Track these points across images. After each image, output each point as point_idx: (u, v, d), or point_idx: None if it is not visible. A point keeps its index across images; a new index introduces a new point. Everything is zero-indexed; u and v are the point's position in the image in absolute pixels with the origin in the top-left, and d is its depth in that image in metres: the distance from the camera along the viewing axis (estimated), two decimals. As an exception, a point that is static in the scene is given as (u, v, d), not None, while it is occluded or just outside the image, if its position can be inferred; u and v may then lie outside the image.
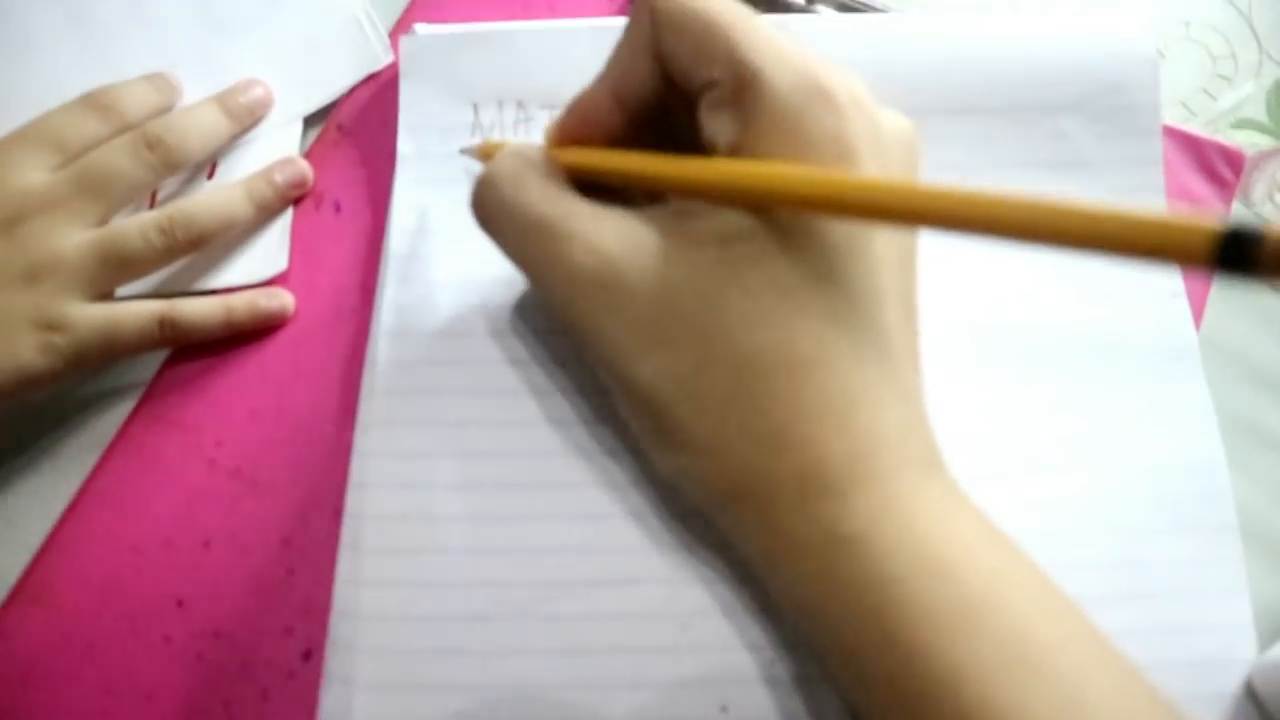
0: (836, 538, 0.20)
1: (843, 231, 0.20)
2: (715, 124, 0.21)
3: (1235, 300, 0.31)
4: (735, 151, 0.21)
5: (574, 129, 0.24)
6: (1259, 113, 0.34)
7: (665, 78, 0.22)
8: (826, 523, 0.20)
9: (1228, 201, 0.32)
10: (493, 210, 0.23)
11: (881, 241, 0.21)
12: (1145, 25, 0.35)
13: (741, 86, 0.20)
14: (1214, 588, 0.26)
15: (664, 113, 0.23)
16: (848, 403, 0.20)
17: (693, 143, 0.22)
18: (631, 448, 0.27)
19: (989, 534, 0.21)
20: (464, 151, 0.30)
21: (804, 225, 0.20)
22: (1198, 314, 0.30)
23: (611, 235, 0.21)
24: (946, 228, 0.17)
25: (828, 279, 0.20)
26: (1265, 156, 0.33)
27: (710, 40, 0.21)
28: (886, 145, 0.21)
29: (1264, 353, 0.30)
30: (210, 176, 0.31)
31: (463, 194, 0.30)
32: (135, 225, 0.28)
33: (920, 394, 0.22)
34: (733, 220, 0.20)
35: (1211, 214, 0.15)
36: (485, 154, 0.27)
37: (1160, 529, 0.27)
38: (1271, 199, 0.33)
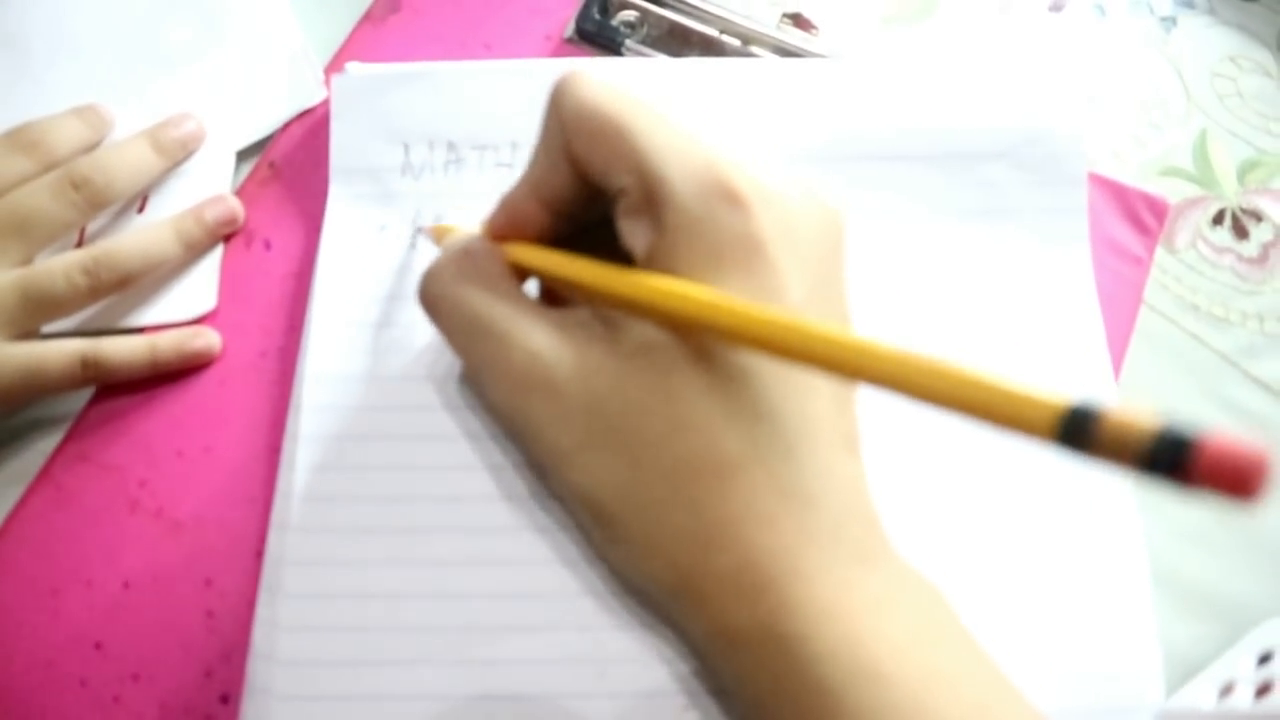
0: (772, 635, 0.20)
1: None
2: (629, 231, 0.22)
3: (1157, 347, 0.31)
4: (650, 258, 0.21)
5: (502, 229, 0.24)
6: (1185, 161, 0.35)
7: (583, 179, 0.22)
8: (762, 620, 0.20)
9: (1152, 249, 0.32)
10: (436, 303, 0.24)
11: None
12: (1077, 71, 0.36)
13: (649, 194, 0.21)
14: (1123, 635, 0.27)
15: (590, 205, 0.23)
16: (778, 502, 0.20)
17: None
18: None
19: (928, 627, 0.21)
20: (420, 232, 0.30)
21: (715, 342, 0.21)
22: (1119, 360, 0.31)
23: (544, 340, 0.22)
24: (819, 367, 0.18)
25: (752, 379, 0.21)
26: (1190, 205, 0.34)
27: (616, 147, 0.21)
28: (801, 238, 0.21)
29: (1183, 399, 0.31)
30: (141, 210, 0.31)
31: (392, 237, 0.30)
32: (59, 266, 0.28)
33: (859, 481, 0.22)
34: (651, 330, 0.21)
35: (1058, 393, 0.15)
36: (440, 237, 0.27)
37: (1070, 576, 0.27)
38: (1194, 247, 0.33)
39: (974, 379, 0.16)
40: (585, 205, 0.23)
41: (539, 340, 0.22)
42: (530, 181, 0.23)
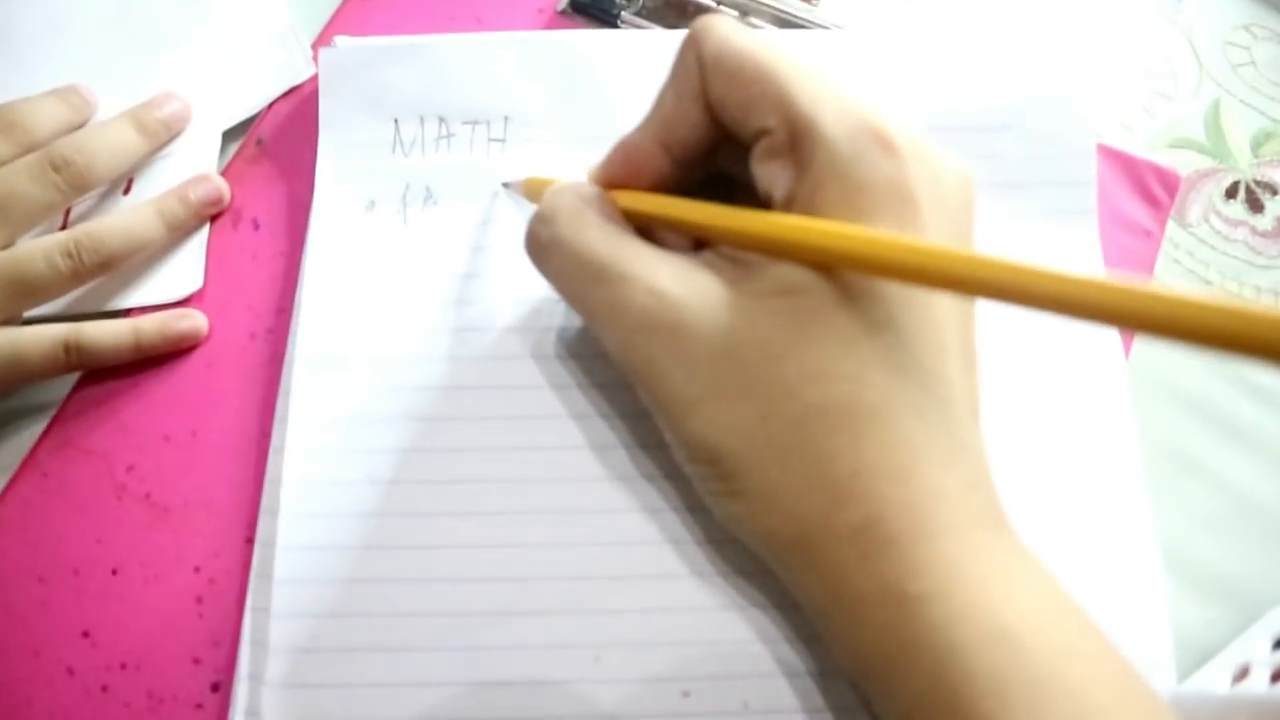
0: (900, 596, 0.19)
1: (899, 287, 0.20)
2: (769, 173, 0.21)
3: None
4: (791, 201, 0.21)
5: (619, 174, 0.23)
6: (1197, 132, 0.34)
7: (713, 123, 0.22)
8: (889, 579, 0.20)
9: (1163, 223, 0.31)
10: (549, 248, 0.23)
11: (929, 296, 0.21)
12: (1086, 41, 0.35)
13: (796, 135, 0.20)
14: (1135, 619, 0.26)
15: (709, 155, 0.23)
16: (911, 458, 0.20)
17: (740, 185, 0.22)
18: (551, 477, 0.26)
19: (1056, 600, 0.20)
20: (507, 186, 0.29)
21: (862, 282, 0.20)
22: (1128, 339, 0.30)
23: (672, 280, 0.21)
24: (1016, 303, 0.17)
25: (891, 331, 0.20)
26: (1201, 177, 0.33)
27: (762, 88, 0.21)
28: (945, 192, 0.21)
29: (1193, 381, 0.30)
30: (126, 191, 0.31)
31: (382, 214, 0.30)
32: (40, 249, 0.27)
33: (982, 450, 0.22)
34: (794, 272, 0.20)
35: None
36: (532, 190, 0.26)
37: (1081, 561, 0.27)
38: (1207, 220, 0.32)
39: (1227, 306, 0.15)
40: (706, 152, 0.23)
41: (665, 279, 0.21)
42: (655, 124, 0.23)
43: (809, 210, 0.20)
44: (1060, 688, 0.18)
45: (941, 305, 0.21)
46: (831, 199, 0.20)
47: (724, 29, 0.21)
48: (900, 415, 0.20)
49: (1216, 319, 0.15)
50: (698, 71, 0.21)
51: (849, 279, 0.20)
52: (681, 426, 0.21)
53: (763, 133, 0.21)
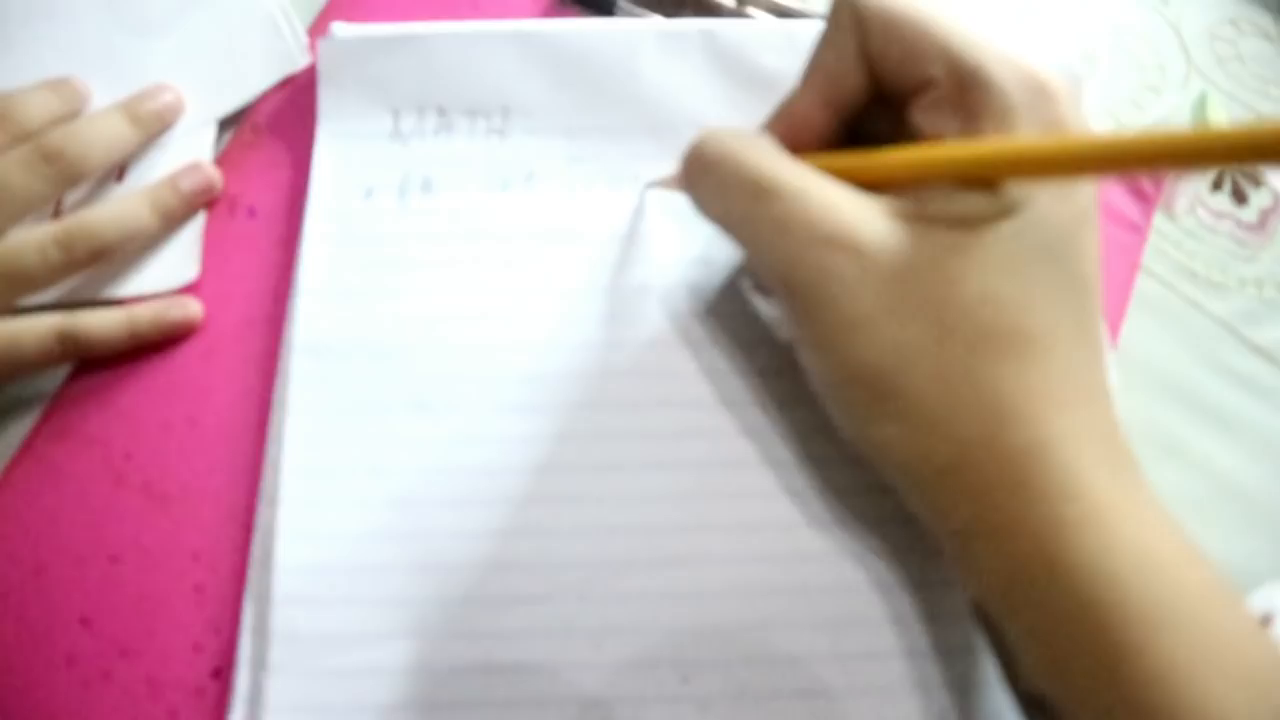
0: (1056, 521, 0.20)
1: (1065, 218, 0.21)
2: (935, 121, 0.22)
3: (1154, 313, 0.31)
4: None
5: (782, 135, 0.24)
6: (1185, 125, 0.34)
7: (870, 80, 0.23)
8: (1046, 503, 0.20)
9: (1149, 216, 0.32)
10: (713, 163, 0.23)
11: (1089, 232, 0.22)
12: (1074, 35, 0.35)
13: (963, 84, 0.21)
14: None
15: (859, 113, 0.24)
16: (1072, 388, 0.21)
17: (888, 138, 0.23)
18: (551, 464, 0.27)
19: (1195, 546, 0.21)
20: (651, 185, 0.29)
21: (1032, 212, 0.21)
22: (1115, 326, 0.30)
23: (847, 200, 0.22)
24: (1184, 166, 0.19)
25: (1054, 263, 0.21)
26: (1188, 169, 0.33)
27: (924, 41, 0.22)
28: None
29: (1181, 366, 0.31)
30: (119, 178, 0.30)
31: (380, 203, 0.29)
32: (33, 240, 0.27)
33: (1111, 393, 0.22)
34: (968, 203, 0.21)
35: None
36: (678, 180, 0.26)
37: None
38: (1193, 212, 0.33)
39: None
40: (859, 111, 0.24)
41: (841, 199, 0.21)
42: (816, 85, 0.24)
43: None
44: (1210, 621, 0.19)
45: (1089, 243, 0.22)
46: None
47: None
48: (1062, 345, 0.21)
49: None
50: (855, 29, 0.22)
51: (1018, 213, 0.21)
52: (843, 345, 0.21)
53: (925, 84, 0.22)
